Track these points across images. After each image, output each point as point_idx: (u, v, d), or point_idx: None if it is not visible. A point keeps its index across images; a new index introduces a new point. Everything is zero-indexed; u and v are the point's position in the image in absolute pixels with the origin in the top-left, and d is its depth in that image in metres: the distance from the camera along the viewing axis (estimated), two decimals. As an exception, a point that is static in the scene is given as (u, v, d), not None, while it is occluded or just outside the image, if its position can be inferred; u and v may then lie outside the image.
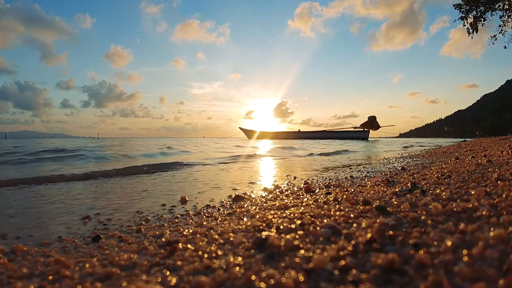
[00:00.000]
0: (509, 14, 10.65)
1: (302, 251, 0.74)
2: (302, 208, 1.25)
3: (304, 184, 2.41)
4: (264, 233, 0.88)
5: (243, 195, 1.93)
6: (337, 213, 1.05)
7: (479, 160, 2.58)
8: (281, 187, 2.28)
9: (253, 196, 1.96)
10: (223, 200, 1.91)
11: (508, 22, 10.77)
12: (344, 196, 1.44)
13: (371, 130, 35.49)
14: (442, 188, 1.34)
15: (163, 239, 1.01)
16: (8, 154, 6.49)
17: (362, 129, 35.39)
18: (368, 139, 32.76)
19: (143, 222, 1.40)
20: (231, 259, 0.73)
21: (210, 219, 1.36)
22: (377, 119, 35.80)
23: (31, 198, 2.15)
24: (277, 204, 1.47)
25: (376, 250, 0.71)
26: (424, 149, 8.24)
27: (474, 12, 10.95)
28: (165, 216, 1.53)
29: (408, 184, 1.57)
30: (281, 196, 1.82)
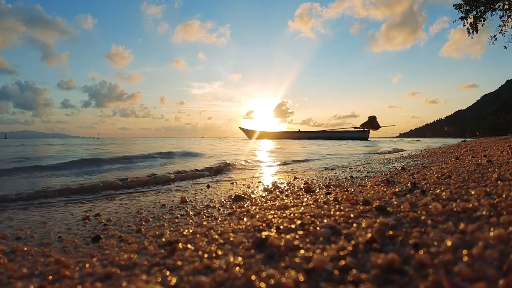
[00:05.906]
0: (509, 14, 10.65)
1: (302, 251, 0.74)
2: (302, 208, 1.24)
3: (304, 184, 2.41)
4: (264, 233, 0.88)
5: (243, 195, 1.93)
6: (337, 213, 1.05)
7: (479, 160, 2.58)
8: (281, 187, 2.28)
9: (253, 196, 1.96)
10: (223, 200, 1.91)
11: (508, 22, 10.78)
12: (344, 196, 1.44)
13: (371, 130, 35.49)
14: (442, 188, 1.33)
15: (163, 239, 1.01)
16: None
17: (362, 129, 35.39)
18: (368, 139, 32.76)
19: (143, 222, 1.40)
20: (231, 259, 0.73)
21: (210, 219, 1.36)
22: (377, 119, 35.80)
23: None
24: (277, 204, 1.47)
25: (376, 250, 0.71)
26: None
27: (474, 12, 10.96)
28: (165, 216, 1.53)
29: (408, 184, 1.57)
30: (281, 196, 1.82)
